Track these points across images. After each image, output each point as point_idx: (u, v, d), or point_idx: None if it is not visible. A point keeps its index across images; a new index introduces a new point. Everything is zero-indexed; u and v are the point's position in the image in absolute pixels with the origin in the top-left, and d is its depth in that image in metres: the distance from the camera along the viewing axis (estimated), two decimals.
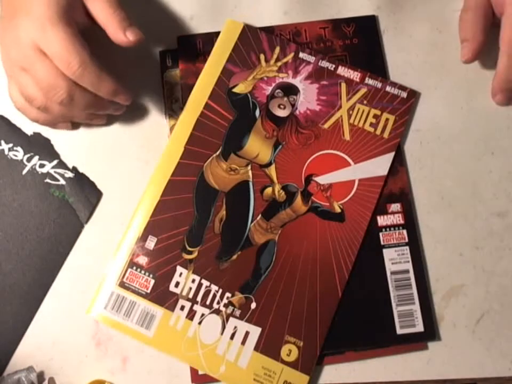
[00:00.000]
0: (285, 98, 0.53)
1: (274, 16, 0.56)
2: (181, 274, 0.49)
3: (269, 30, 0.55)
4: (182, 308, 0.48)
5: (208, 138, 0.52)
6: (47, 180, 0.52)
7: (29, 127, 0.53)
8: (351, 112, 0.53)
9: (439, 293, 0.50)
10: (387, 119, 0.53)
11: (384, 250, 0.50)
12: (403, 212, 0.51)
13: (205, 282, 0.49)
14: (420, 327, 0.48)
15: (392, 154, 0.52)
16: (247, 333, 0.48)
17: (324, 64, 0.54)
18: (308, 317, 0.48)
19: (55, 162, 0.52)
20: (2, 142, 0.52)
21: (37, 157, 0.52)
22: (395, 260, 0.50)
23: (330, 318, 0.48)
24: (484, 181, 0.52)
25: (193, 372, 0.48)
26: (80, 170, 0.52)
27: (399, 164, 0.52)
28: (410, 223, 0.51)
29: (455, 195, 0.52)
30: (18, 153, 0.52)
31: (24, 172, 0.52)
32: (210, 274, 0.49)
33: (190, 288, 0.49)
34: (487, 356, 0.49)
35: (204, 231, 0.50)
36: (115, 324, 0.48)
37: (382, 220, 0.51)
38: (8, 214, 0.51)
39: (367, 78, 0.54)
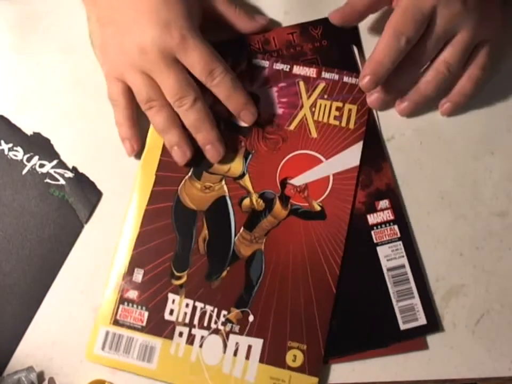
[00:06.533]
0: None
1: (274, 16, 0.56)
2: (173, 301, 0.48)
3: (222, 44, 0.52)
4: (181, 334, 0.47)
5: None
6: (47, 180, 0.52)
7: (29, 127, 0.53)
8: (313, 109, 0.52)
9: (439, 293, 0.50)
10: (350, 110, 0.52)
11: (378, 248, 0.50)
12: (392, 207, 0.51)
13: (199, 305, 0.48)
14: (422, 320, 0.48)
15: (361, 144, 0.51)
16: (249, 347, 0.47)
17: (279, 66, 0.53)
18: (306, 318, 0.48)
19: (55, 162, 0.52)
20: (2, 142, 0.52)
21: (36, 157, 0.52)
22: (390, 256, 0.50)
23: (329, 316, 0.48)
24: (484, 181, 0.52)
25: None
26: (80, 170, 0.52)
27: (382, 159, 0.52)
28: (400, 217, 0.50)
29: (455, 195, 0.52)
30: (18, 153, 0.52)
31: (24, 171, 0.52)
32: (203, 295, 0.48)
33: (185, 313, 0.48)
34: (487, 356, 0.49)
35: (189, 254, 0.49)
36: (116, 363, 0.47)
37: (372, 218, 0.50)
38: (8, 214, 0.51)
39: (323, 72, 0.53)
